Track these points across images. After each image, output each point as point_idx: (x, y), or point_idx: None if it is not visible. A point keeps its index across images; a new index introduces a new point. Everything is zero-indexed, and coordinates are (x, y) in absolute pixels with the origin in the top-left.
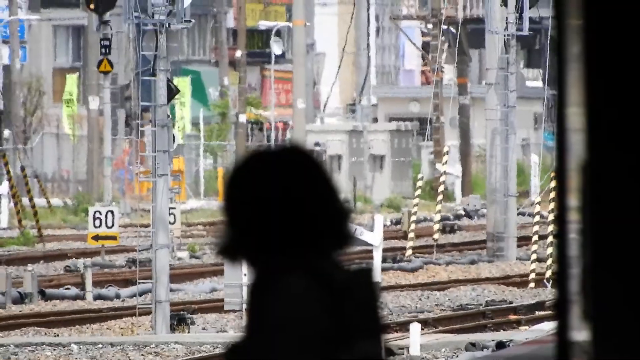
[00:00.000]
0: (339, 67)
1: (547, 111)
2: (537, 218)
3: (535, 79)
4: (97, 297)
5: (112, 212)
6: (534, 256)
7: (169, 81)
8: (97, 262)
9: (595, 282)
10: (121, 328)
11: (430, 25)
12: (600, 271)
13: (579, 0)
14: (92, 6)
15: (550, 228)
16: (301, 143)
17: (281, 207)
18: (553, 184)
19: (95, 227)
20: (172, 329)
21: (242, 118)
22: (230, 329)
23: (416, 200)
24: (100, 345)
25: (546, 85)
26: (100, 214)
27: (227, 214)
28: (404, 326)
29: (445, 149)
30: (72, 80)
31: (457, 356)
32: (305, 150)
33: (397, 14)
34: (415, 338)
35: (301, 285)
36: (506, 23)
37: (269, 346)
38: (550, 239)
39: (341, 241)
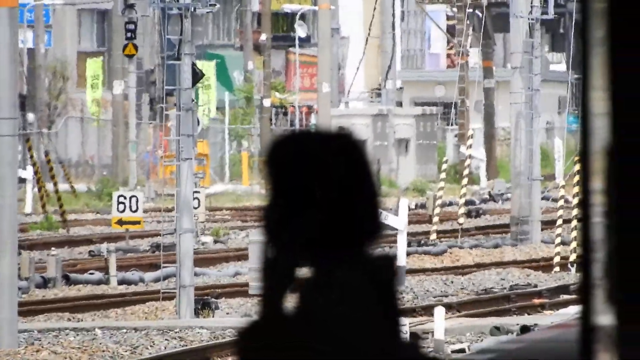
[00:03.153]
0: (364, 51)
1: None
2: (561, 202)
3: (559, 63)
4: (121, 282)
5: (136, 196)
6: (558, 240)
7: (194, 65)
8: (121, 247)
9: (619, 266)
10: (145, 312)
11: (455, 9)
12: (625, 255)
13: None
14: None
15: (575, 212)
16: (347, 129)
17: (332, 196)
18: (577, 167)
19: (119, 211)
20: (197, 313)
21: (267, 102)
22: (254, 313)
23: (441, 184)
24: (125, 330)
25: (570, 69)
26: (125, 198)
27: (272, 191)
28: (428, 310)
29: (470, 133)
30: (96, 64)
31: (481, 340)
32: (354, 135)
33: None
34: (440, 322)
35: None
36: (531, 7)
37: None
38: (574, 222)
39: (375, 231)
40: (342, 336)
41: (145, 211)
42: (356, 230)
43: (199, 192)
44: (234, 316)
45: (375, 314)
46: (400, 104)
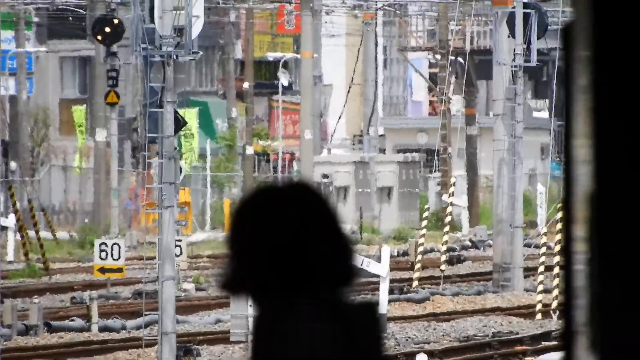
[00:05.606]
0: (347, 98)
1: (554, 142)
2: (543, 249)
3: (542, 110)
4: (103, 329)
5: (118, 244)
6: (540, 287)
7: (176, 113)
8: (103, 294)
9: (602, 313)
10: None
11: (438, 57)
12: (607, 302)
13: (587, 31)
14: (99, 38)
15: (557, 259)
16: (308, 178)
17: (288, 245)
18: (560, 214)
19: (101, 259)
20: None
21: (249, 149)
22: None
23: (423, 231)
24: None
25: (553, 116)
26: (106, 246)
27: (232, 249)
28: (410, 357)
29: (452, 180)
30: (79, 112)
31: None
32: (312, 186)
33: (404, 46)
34: None
35: (307, 322)
36: (514, 54)
37: None
38: (557, 269)
39: (347, 278)
40: None
41: (127, 259)
42: (318, 277)
43: (180, 239)
44: None
45: None
46: (382, 151)
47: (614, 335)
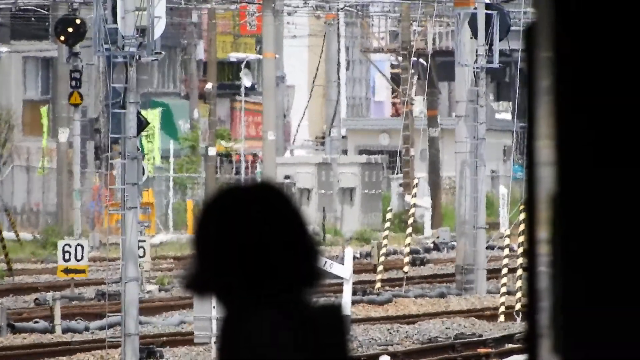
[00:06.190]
0: (309, 99)
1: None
2: (506, 251)
3: (504, 111)
4: (67, 330)
5: (81, 245)
6: (503, 289)
7: (139, 113)
8: (67, 295)
9: (565, 314)
10: None
11: (400, 58)
12: (570, 303)
13: (549, 32)
14: (62, 38)
15: (520, 261)
16: (271, 179)
17: (252, 245)
18: (522, 216)
19: (64, 260)
20: None
21: (212, 151)
22: None
23: (386, 233)
24: None
25: (515, 117)
26: (70, 247)
27: (197, 250)
28: (373, 359)
29: (415, 182)
30: (45, 112)
31: None
32: (276, 186)
33: (367, 47)
34: None
35: (271, 321)
36: (476, 55)
37: None
38: (519, 271)
39: (311, 278)
40: None
41: (90, 260)
42: (282, 277)
43: (144, 240)
44: None
45: None
46: (345, 152)
47: (576, 335)
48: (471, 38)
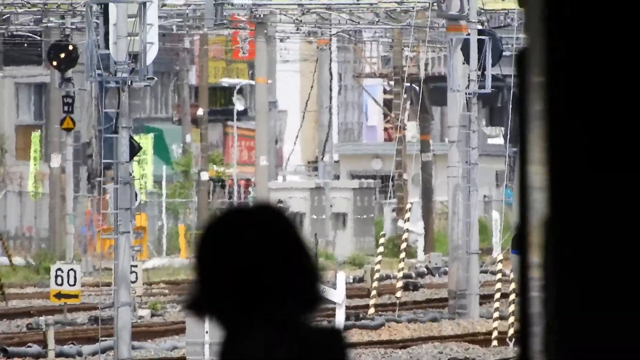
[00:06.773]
0: (301, 124)
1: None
2: (499, 275)
3: (497, 136)
4: (59, 355)
5: (74, 270)
6: (496, 314)
7: (131, 138)
8: (60, 320)
9: (557, 340)
10: None
11: (392, 83)
12: (563, 329)
13: (541, 58)
14: (54, 64)
15: (513, 286)
16: (271, 202)
17: (245, 269)
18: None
19: (57, 285)
20: None
21: (205, 176)
22: None
23: (378, 258)
24: None
25: (508, 142)
26: (62, 272)
27: (196, 273)
28: None
29: (407, 206)
30: (36, 138)
31: None
32: (274, 207)
33: (359, 72)
34: None
35: (265, 340)
36: (468, 81)
37: None
38: (512, 296)
39: (309, 299)
40: None
41: (83, 285)
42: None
43: (136, 265)
44: None
45: None
46: (337, 177)
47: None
48: (463, 63)
